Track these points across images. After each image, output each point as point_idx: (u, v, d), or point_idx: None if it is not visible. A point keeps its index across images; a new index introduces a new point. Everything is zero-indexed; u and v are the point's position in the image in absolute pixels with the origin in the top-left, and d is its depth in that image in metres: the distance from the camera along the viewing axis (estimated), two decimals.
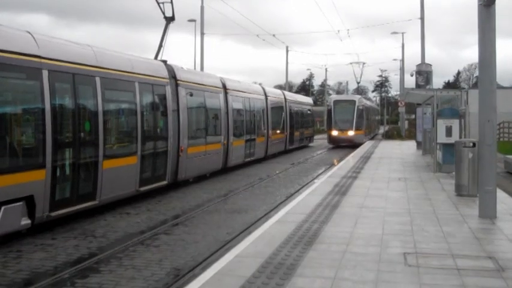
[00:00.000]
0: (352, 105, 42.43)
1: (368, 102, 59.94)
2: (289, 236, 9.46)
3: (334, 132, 41.77)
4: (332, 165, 26.78)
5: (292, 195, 16.90)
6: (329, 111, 44.15)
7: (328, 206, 12.57)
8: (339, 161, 27.81)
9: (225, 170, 23.15)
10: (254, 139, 27.48)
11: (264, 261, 7.83)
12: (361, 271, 7.37)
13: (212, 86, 22.07)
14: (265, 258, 7.96)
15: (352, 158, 27.52)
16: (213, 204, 15.36)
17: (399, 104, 59.95)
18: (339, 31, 48.62)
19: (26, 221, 10.63)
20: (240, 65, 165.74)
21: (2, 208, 9.90)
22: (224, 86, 23.51)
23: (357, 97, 45.97)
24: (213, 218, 13.39)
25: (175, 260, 9.47)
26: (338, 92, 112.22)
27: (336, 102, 43.75)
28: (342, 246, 8.77)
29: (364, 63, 62.44)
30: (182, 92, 18.53)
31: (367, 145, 39.41)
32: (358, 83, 64.96)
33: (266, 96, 30.72)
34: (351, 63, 61.96)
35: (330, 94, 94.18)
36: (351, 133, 41.45)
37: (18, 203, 10.37)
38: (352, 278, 7.08)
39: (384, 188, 16.07)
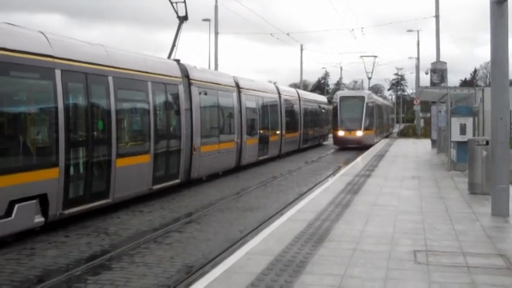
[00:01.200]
0: (360, 101, 37.91)
1: (379, 99, 55.08)
2: (299, 233, 9.48)
3: (341, 133, 37.37)
4: (345, 163, 26.71)
5: (305, 193, 16.91)
6: (335, 109, 39.13)
7: (339, 205, 12.57)
8: (353, 159, 27.73)
9: (238, 168, 23.20)
10: (268, 138, 27.50)
11: (274, 258, 7.86)
12: (370, 269, 7.37)
13: (225, 85, 22.13)
14: (275, 256, 7.98)
15: (366, 157, 27.44)
16: (226, 203, 15.42)
17: (414, 102, 59.67)
18: (353, 29, 48.49)
19: (39, 219, 10.74)
20: (254, 64, 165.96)
21: (16, 206, 10.02)
22: (237, 85, 23.56)
23: (366, 93, 41.69)
24: (225, 216, 13.44)
25: (186, 258, 9.54)
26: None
27: (343, 98, 38.76)
28: (352, 244, 8.77)
29: (376, 57, 57.06)
30: (195, 91, 18.60)
31: (382, 143, 39.15)
32: (369, 78, 59.20)
33: (280, 94, 30.73)
34: (361, 57, 56.09)
35: None
36: (359, 133, 37.05)
37: (31, 201, 10.48)
38: (362, 276, 7.09)
39: (397, 186, 16.02)
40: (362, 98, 38.49)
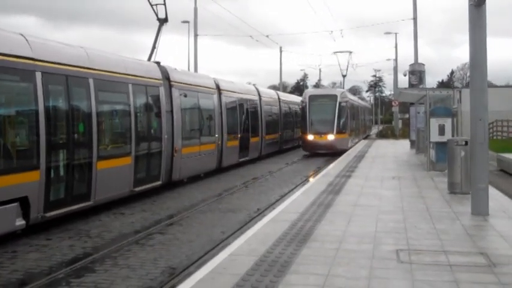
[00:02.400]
0: (332, 101, 33.21)
1: (355, 98, 50.11)
2: (282, 234, 9.52)
3: (310, 137, 32.55)
4: (326, 164, 26.84)
5: (287, 194, 16.99)
6: (303, 110, 33.96)
7: (321, 205, 12.64)
8: (333, 160, 27.88)
9: (220, 170, 23.20)
10: (248, 139, 27.54)
11: (258, 259, 7.88)
12: (354, 268, 7.43)
13: (206, 87, 22.12)
14: (259, 256, 8.01)
15: (345, 158, 27.59)
16: (208, 204, 15.42)
17: (393, 103, 60.18)
18: (332, 31, 48.22)
19: (20, 222, 10.66)
20: (233, 66, 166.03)
21: None
22: (218, 87, 23.57)
23: (339, 91, 36.19)
24: (208, 218, 13.44)
25: (170, 259, 9.53)
26: None
27: (313, 97, 33.76)
28: (335, 243, 8.83)
29: (350, 52, 51.26)
30: (176, 93, 18.58)
31: (360, 145, 39.26)
32: (344, 75, 53.26)
33: (260, 96, 30.79)
34: (335, 53, 50.38)
35: None
36: (330, 137, 32.36)
37: (12, 204, 10.39)
38: (346, 275, 7.14)
39: (378, 186, 16.15)
40: (334, 97, 33.73)
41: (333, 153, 31.06)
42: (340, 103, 33.15)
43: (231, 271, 7.33)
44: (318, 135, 32.37)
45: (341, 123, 33.03)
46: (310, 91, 37.43)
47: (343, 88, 46.95)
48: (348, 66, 52.85)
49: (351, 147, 34.56)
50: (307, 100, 33.50)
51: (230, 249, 8.58)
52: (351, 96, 41.98)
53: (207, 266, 7.73)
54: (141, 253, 9.97)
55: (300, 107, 35.68)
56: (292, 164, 28.54)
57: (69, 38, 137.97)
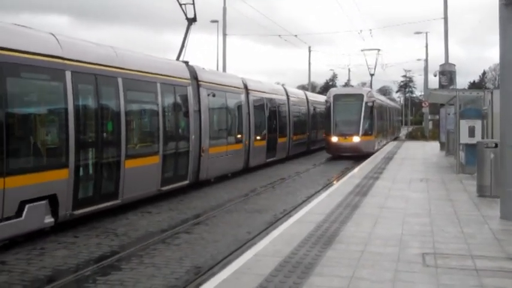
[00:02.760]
0: (358, 101, 31.60)
1: (383, 98, 47.01)
2: (308, 235, 9.50)
3: (334, 139, 30.86)
4: (354, 166, 26.68)
5: (313, 195, 16.93)
6: (328, 110, 32.28)
7: (348, 207, 12.57)
8: (361, 162, 27.68)
9: (247, 170, 23.23)
10: (276, 140, 27.52)
11: (283, 260, 7.88)
12: (378, 271, 7.38)
13: (234, 87, 22.18)
14: (284, 257, 8.01)
15: (373, 159, 27.40)
16: (234, 204, 15.46)
17: (423, 104, 59.45)
18: (361, 31, 47.32)
19: (49, 219, 10.82)
20: (261, 66, 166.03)
21: (26, 206, 10.09)
22: (246, 87, 23.60)
23: (365, 90, 34.48)
24: (234, 218, 13.48)
25: (195, 259, 9.58)
26: None
27: (337, 97, 32.13)
28: (360, 246, 8.78)
29: (379, 50, 47.90)
30: (204, 92, 18.66)
31: (389, 146, 38.86)
32: (371, 74, 49.97)
33: (288, 96, 30.75)
34: (362, 51, 47.74)
35: None
36: (356, 139, 30.73)
37: (41, 202, 10.55)
38: (370, 278, 7.09)
39: (406, 188, 16.00)
40: (360, 96, 32.00)
41: (358, 156, 29.59)
42: (366, 103, 31.50)
43: (255, 271, 7.34)
44: (343, 137, 30.78)
45: (367, 124, 31.38)
46: (334, 90, 35.14)
47: (371, 88, 44.80)
48: (376, 65, 49.88)
49: (377, 150, 32.85)
50: (331, 100, 32.00)
51: (255, 250, 8.59)
52: (378, 96, 39.66)
53: (231, 265, 7.75)
54: (166, 252, 10.04)
55: (324, 107, 33.88)
56: (319, 165, 28.45)
57: (99, 37, 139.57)
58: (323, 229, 10.02)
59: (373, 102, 32.40)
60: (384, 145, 38.56)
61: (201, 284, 7.61)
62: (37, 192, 10.44)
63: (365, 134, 31.04)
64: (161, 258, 9.60)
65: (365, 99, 31.66)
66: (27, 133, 10.71)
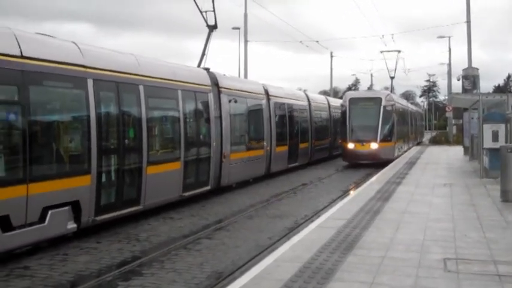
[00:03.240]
0: (376, 104, 29.59)
1: (403, 102, 45.09)
2: (328, 241, 9.47)
3: (350, 145, 29.02)
4: (375, 171, 26.51)
5: (335, 201, 16.89)
6: (343, 114, 30.47)
7: (369, 212, 12.51)
8: (383, 167, 27.47)
9: (268, 175, 23.23)
10: (297, 145, 27.49)
11: (302, 265, 7.87)
12: (399, 276, 7.33)
13: (254, 93, 22.24)
14: (304, 263, 8.00)
15: (396, 164, 27.20)
16: (255, 210, 15.48)
17: (447, 109, 58.97)
18: (383, 36, 46.55)
19: (72, 225, 10.95)
20: (283, 72, 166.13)
21: (49, 212, 10.22)
22: (267, 93, 23.63)
23: (383, 93, 32.30)
24: (255, 223, 13.49)
25: (216, 264, 9.61)
26: None
27: (353, 100, 30.17)
28: (381, 251, 8.73)
29: (399, 52, 45.09)
30: (225, 98, 18.73)
31: (412, 151, 38.50)
32: (392, 77, 47.51)
33: (309, 102, 30.71)
34: (381, 52, 44.96)
35: None
36: (373, 146, 28.73)
37: (64, 208, 10.68)
38: (390, 283, 7.05)
39: (428, 193, 15.87)
40: (378, 100, 29.92)
41: (376, 163, 27.58)
42: (384, 107, 29.51)
43: (275, 277, 7.34)
44: (359, 144, 28.74)
45: (386, 129, 29.40)
46: (350, 93, 32.66)
47: (392, 91, 43.37)
48: (396, 68, 47.36)
49: (397, 157, 30.84)
50: (347, 104, 29.99)
51: (275, 255, 8.60)
52: (398, 99, 37.35)
53: (251, 271, 7.77)
54: (188, 257, 10.08)
55: (340, 111, 32.00)
56: (342, 171, 28.32)
57: (120, 45, 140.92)
58: (344, 235, 9.99)
59: (392, 106, 30.45)
60: (405, 151, 36.53)
61: None
62: (60, 199, 10.57)
63: (384, 140, 29.13)
64: (182, 263, 9.65)
65: (383, 102, 29.68)
66: (50, 140, 10.87)
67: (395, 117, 30.88)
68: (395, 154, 30.64)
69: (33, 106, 10.09)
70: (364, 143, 28.72)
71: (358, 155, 28.88)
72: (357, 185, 21.07)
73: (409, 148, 40.05)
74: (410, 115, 43.94)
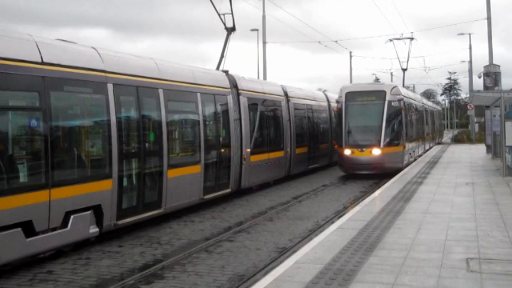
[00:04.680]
0: (379, 99, 23.87)
1: (416, 97, 36.60)
2: (349, 242, 9.45)
3: (346, 152, 23.35)
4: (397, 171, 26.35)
5: (356, 201, 16.79)
6: (339, 112, 24.71)
7: (391, 212, 12.44)
8: (414, 160, 27.14)
9: (289, 177, 23.20)
10: (318, 146, 27.39)
11: (323, 267, 7.86)
12: (421, 277, 7.29)
13: (274, 94, 22.23)
14: (325, 264, 7.99)
15: (417, 164, 27.00)
16: (276, 212, 15.46)
17: (468, 107, 58.34)
18: (402, 34, 45.99)
19: (94, 229, 11.04)
20: (302, 72, 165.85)
21: (72, 217, 10.33)
22: (286, 94, 23.60)
23: (388, 86, 25.24)
24: (276, 225, 13.48)
25: (237, 267, 9.62)
26: None
27: (351, 95, 24.40)
28: (403, 252, 8.69)
29: (411, 39, 38.48)
30: (244, 100, 18.75)
31: (433, 151, 38.08)
32: (404, 69, 41.59)
33: (329, 102, 30.58)
34: (390, 40, 38.33)
35: None
36: (376, 152, 23.01)
37: (86, 212, 10.78)
38: (412, 284, 7.01)
39: (450, 193, 15.74)
40: (381, 94, 24.08)
41: (380, 174, 23.02)
42: (390, 102, 23.75)
43: (295, 279, 7.34)
44: (358, 149, 23.22)
45: (392, 130, 23.80)
46: (347, 86, 25.76)
47: (403, 85, 37.41)
48: (408, 57, 41.04)
49: (408, 165, 25.79)
50: (343, 99, 24.43)
51: (296, 257, 8.60)
52: (408, 93, 30.72)
53: (272, 273, 7.78)
54: (209, 260, 10.11)
55: (335, 108, 26.38)
56: None
57: (137, 49, 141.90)
58: (365, 235, 9.95)
59: (399, 101, 24.32)
60: (420, 155, 31.77)
61: None
62: (82, 203, 10.67)
63: (389, 144, 23.41)
64: (204, 266, 9.67)
65: (388, 97, 23.82)
66: (71, 145, 10.99)
67: (405, 115, 25.01)
68: (405, 161, 25.14)
69: (54, 111, 10.19)
70: (364, 149, 23.17)
71: (357, 163, 23.34)
72: (378, 185, 20.94)
73: (425, 151, 35.74)
74: (426, 112, 38.71)
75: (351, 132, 23.74)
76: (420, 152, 32.07)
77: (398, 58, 41.92)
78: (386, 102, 23.64)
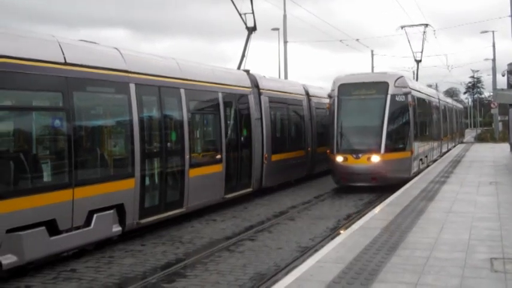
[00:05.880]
0: (380, 93, 19.34)
1: (428, 91, 29.64)
2: (371, 241, 9.40)
3: (339, 158, 18.95)
4: (420, 171, 26.11)
5: (377, 200, 16.71)
6: (331, 111, 20.25)
7: (413, 212, 12.36)
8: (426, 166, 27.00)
9: (310, 176, 23.15)
10: None
11: (345, 266, 7.84)
12: (444, 277, 7.24)
13: (295, 94, 22.20)
14: (346, 264, 7.96)
15: (441, 163, 26.78)
16: (297, 211, 15.45)
17: (492, 105, 57.68)
18: (424, 32, 45.52)
19: (117, 228, 11.13)
20: (323, 71, 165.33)
21: (95, 216, 10.42)
22: (307, 93, 23.56)
23: (391, 76, 20.23)
24: (297, 225, 13.47)
25: (258, 266, 9.63)
26: None
27: (345, 88, 19.86)
28: (426, 251, 8.63)
29: (426, 25, 34.00)
30: (265, 100, 18.75)
31: (458, 149, 37.69)
32: (418, 61, 36.88)
33: None
34: (402, 27, 33.48)
35: None
36: (375, 159, 18.54)
37: (109, 211, 10.87)
38: (435, 284, 6.97)
39: (473, 192, 15.59)
40: (383, 86, 19.47)
41: (381, 186, 18.85)
42: (394, 97, 19.22)
43: (317, 278, 7.33)
44: (353, 156, 18.74)
45: (396, 132, 19.49)
46: (341, 78, 20.55)
47: (416, 78, 33.33)
48: (423, 48, 36.67)
49: (418, 173, 21.41)
50: (335, 93, 19.92)
51: (318, 256, 8.59)
52: (418, 86, 24.61)
53: (294, 272, 7.78)
54: (230, 259, 10.13)
55: (327, 105, 21.77)
56: None
57: (157, 50, 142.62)
58: (387, 235, 9.90)
59: (406, 95, 19.57)
60: (435, 160, 27.40)
61: None
62: (105, 202, 10.76)
63: (392, 148, 19.01)
64: (225, 265, 9.70)
65: (391, 90, 19.27)
66: (94, 145, 11.10)
67: (413, 112, 20.25)
68: (414, 169, 20.56)
69: (77, 111, 10.29)
70: (360, 155, 18.71)
71: (350, 173, 18.90)
72: (400, 184, 20.76)
73: (442, 155, 31.22)
74: (443, 110, 33.49)
75: (344, 135, 19.47)
76: (435, 157, 28.05)
77: (411, 48, 37.42)
78: (389, 97, 19.11)
